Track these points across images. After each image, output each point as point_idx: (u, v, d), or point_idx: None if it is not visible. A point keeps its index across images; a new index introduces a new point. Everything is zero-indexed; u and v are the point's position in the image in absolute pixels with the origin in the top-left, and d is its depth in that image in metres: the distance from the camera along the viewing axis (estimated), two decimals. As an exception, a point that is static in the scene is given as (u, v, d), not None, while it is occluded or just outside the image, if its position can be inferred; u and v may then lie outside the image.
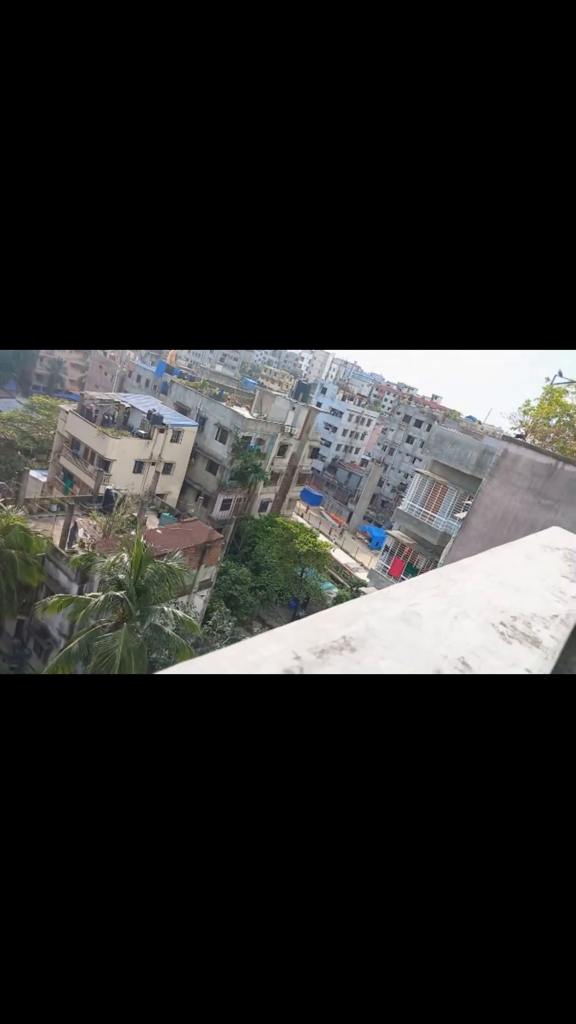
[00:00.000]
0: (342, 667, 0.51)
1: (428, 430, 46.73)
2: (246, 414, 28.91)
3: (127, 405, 25.71)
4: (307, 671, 0.46)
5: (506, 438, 7.33)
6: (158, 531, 18.63)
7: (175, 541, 17.89)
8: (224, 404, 29.10)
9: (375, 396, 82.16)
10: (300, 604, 28.89)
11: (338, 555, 34.35)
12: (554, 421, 15.27)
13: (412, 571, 17.44)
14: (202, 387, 32.53)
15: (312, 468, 39.60)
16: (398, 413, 50.15)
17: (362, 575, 31.64)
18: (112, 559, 13.30)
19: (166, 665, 12.85)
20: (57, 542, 16.42)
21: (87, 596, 12.95)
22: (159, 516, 21.99)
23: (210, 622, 19.89)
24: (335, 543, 36.54)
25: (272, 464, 31.66)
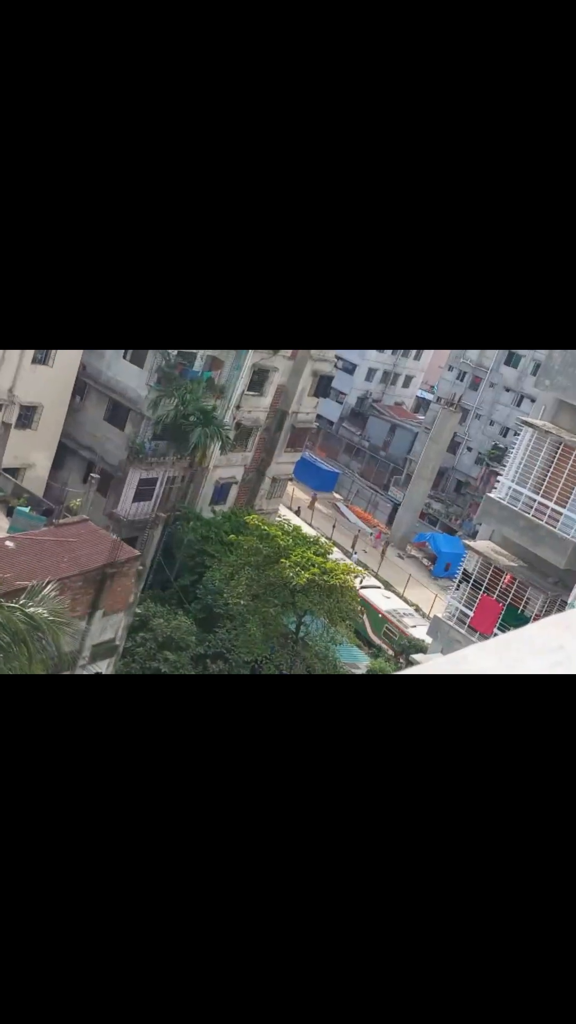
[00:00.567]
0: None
1: (548, 341, 48.11)
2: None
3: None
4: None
5: None
6: (7, 544, 18.67)
7: (41, 564, 17.96)
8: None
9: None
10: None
11: (371, 591, 34.84)
12: None
13: (517, 620, 17.59)
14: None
15: (318, 417, 40.02)
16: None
17: (419, 630, 32.12)
18: None
19: None
20: None
21: None
22: (9, 513, 22.08)
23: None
24: (363, 566, 37.02)
25: (238, 408, 32.64)
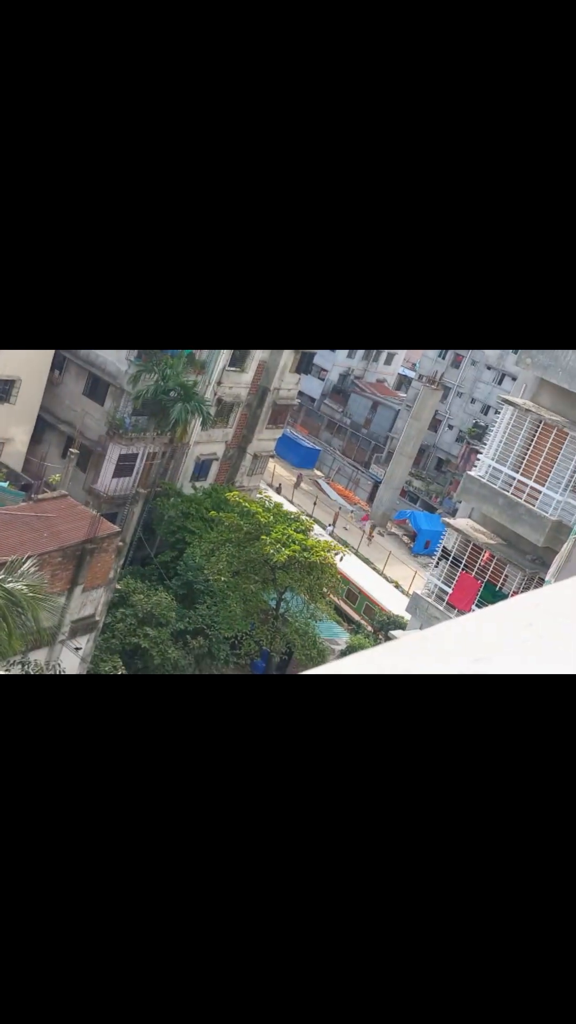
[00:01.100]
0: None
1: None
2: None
3: None
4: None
5: None
6: (-13, 519, 18.55)
7: (20, 539, 17.87)
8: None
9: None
10: (275, 663, 29.41)
11: (350, 567, 34.99)
12: None
13: (494, 597, 17.75)
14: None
15: (300, 394, 39.92)
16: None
17: (399, 606, 32.35)
18: None
19: None
20: None
21: None
22: (-11, 488, 21.89)
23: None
24: (344, 544, 37.14)
25: (219, 384, 32.44)
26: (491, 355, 50.29)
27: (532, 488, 17.75)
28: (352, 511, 47.45)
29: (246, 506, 26.63)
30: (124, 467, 28.66)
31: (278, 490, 42.07)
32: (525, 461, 18.01)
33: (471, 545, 18.88)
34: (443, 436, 52.74)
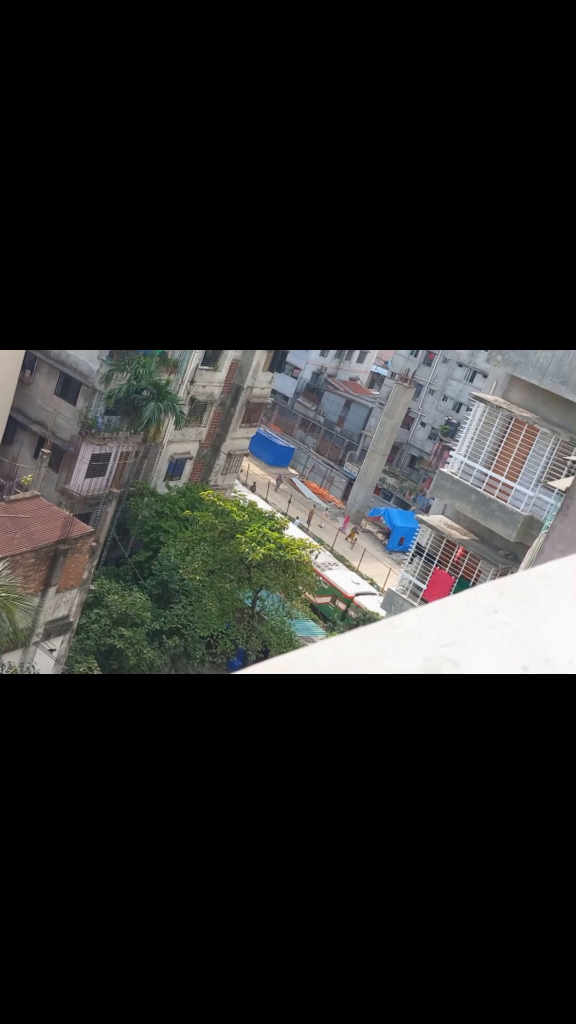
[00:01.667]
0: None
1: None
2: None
3: None
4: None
5: None
6: (-42, 520, 18.33)
7: (-6, 540, 17.69)
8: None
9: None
10: (251, 662, 29.27)
11: (325, 565, 35.05)
12: None
13: (468, 594, 17.85)
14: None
15: (274, 392, 39.91)
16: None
17: (373, 603, 32.48)
18: None
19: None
20: None
21: None
22: (-40, 490, 21.62)
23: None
24: (319, 542, 37.19)
25: (192, 383, 32.34)
26: (463, 353, 50.59)
27: (504, 484, 17.91)
28: (327, 509, 47.51)
29: (220, 505, 26.57)
30: (97, 467, 28.45)
31: (252, 488, 42.02)
32: (497, 457, 18.16)
33: (444, 541, 19.00)
34: (416, 433, 52.99)
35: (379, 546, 44.52)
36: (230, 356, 32.51)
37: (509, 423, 17.93)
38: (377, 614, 29.28)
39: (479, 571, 18.28)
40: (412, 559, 20.02)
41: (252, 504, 29.10)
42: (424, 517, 20.34)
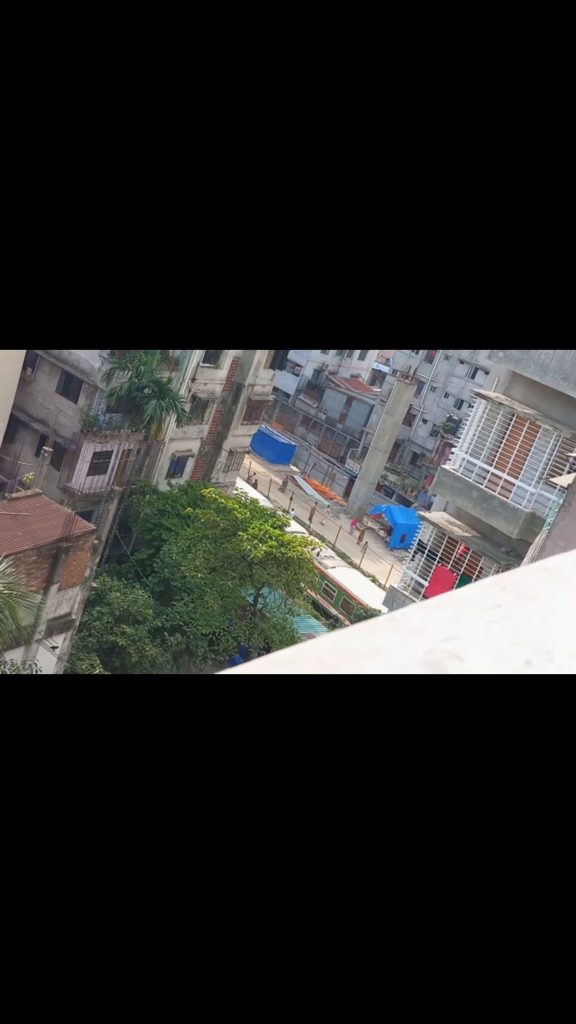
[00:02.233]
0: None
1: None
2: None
3: None
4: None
5: None
6: (-40, 518, 18.34)
7: (-4, 538, 17.70)
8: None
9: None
10: (253, 659, 29.02)
11: (327, 562, 35.06)
12: None
13: (470, 590, 17.84)
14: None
15: (275, 389, 39.90)
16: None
17: (375, 600, 32.46)
18: None
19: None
20: None
21: None
22: (-39, 488, 21.64)
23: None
24: (321, 539, 37.17)
25: (194, 381, 32.34)
26: (464, 350, 50.54)
27: (506, 481, 17.90)
28: (328, 506, 47.49)
29: (222, 502, 26.57)
30: (99, 465, 28.45)
31: (254, 485, 42.01)
32: (498, 454, 18.15)
33: (446, 538, 18.99)
34: (417, 430, 52.93)
35: (381, 543, 44.51)
36: (231, 354, 32.48)
37: (511, 420, 17.91)
38: (379, 611, 29.29)
39: (481, 568, 18.26)
40: (414, 556, 20.01)
41: (254, 502, 29.09)
42: (426, 514, 20.33)
